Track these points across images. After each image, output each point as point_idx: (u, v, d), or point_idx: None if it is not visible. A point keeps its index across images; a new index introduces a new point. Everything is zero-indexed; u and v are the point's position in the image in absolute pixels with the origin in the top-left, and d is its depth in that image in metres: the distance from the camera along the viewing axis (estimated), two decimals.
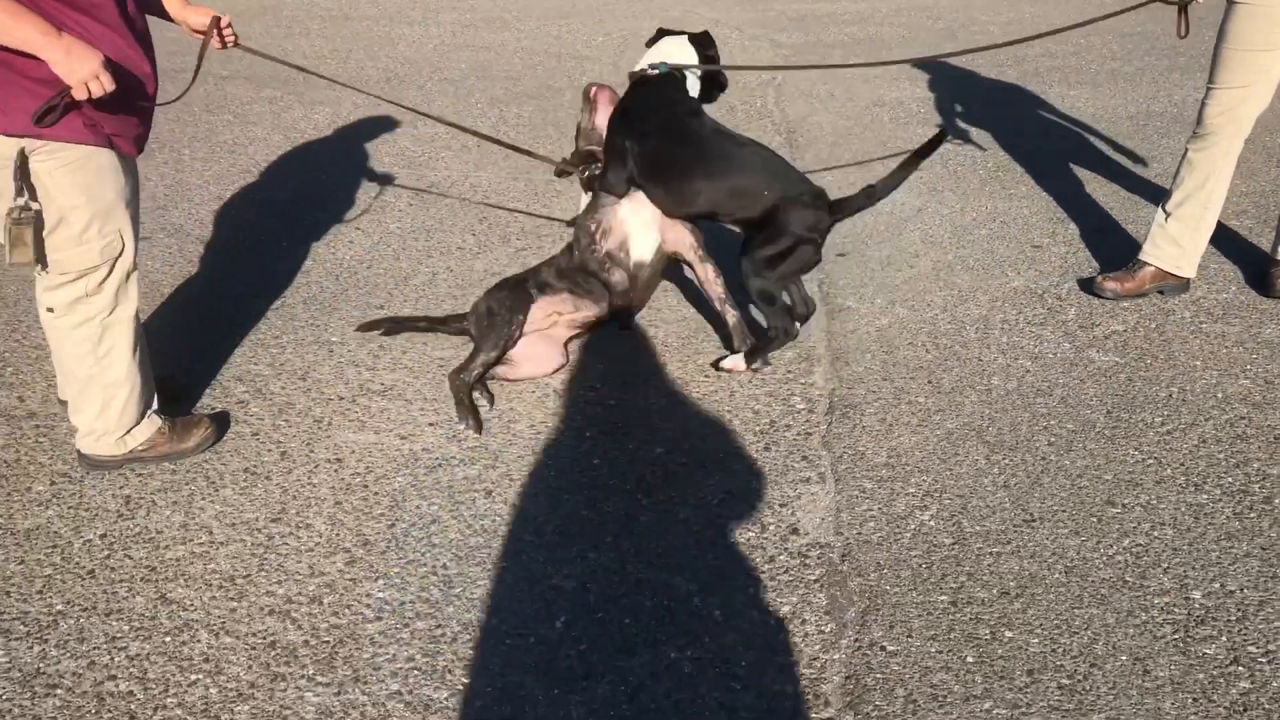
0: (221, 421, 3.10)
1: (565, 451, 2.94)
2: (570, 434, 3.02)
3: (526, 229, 4.49)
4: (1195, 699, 2.05)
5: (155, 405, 2.92)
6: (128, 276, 2.72)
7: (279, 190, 5.04)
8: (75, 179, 2.51)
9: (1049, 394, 3.11)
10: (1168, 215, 3.56)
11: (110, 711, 2.13)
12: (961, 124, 5.66)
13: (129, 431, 2.83)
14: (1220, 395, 3.07)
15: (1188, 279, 3.62)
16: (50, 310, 2.67)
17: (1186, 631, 2.21)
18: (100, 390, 2.75)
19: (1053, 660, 2.16)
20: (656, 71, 3.31)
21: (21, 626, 2.36)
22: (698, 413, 3.11)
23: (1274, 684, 2.07)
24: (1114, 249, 4.02)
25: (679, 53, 3.37)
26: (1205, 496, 2.64)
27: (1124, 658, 2.15)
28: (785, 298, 3.22)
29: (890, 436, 2.95)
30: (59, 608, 2.41)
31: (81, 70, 2.33)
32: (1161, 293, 3.63)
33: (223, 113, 6.35)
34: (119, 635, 2.33)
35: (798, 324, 3.28)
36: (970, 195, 4.65)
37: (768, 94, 6.41)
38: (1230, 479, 2.70)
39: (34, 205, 2.46)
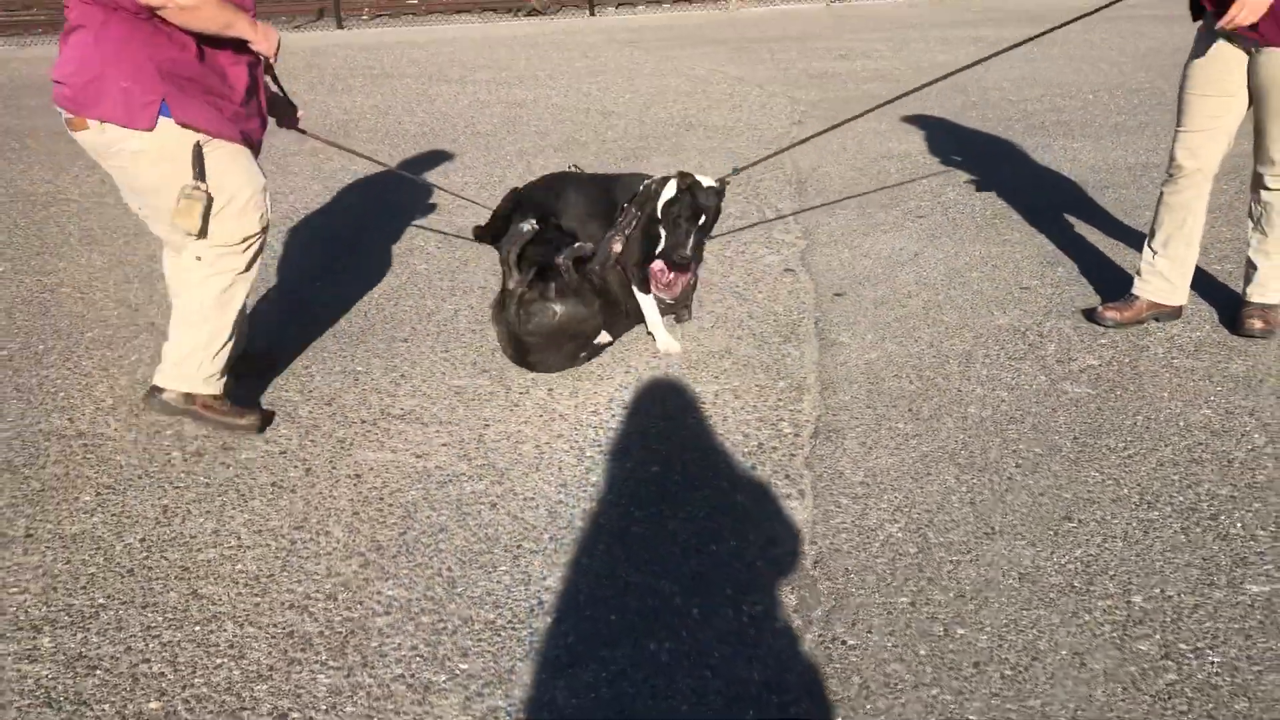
0: (267, 419, 3.48)
1: (566, 469, 3.18)
2: (572, 454, 3.26)
3: None
4: (1125, 689, 2.23)
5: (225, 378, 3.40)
6: (261, 248, 3.33)
7: (315, 234, 5.37)
8: (237, 164, 3.19)
9: (1021, 421, 3.32)
10: (1154, 253, 3.80)
11: (144, 689, 2.37)
12: (964, 174, 5.90)
13: (208, 378, 3.32)
14: (1182, 424, 3.25)
15: (1180, 306, 3.86)
16: (199, 258, 3.23)
17: (1124, 630, 2.40)
18: (209, 333, 3.27)
19: (998, 654, 2.35)
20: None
21: (66, 617, 2.61)
22: (692, 436, 3.34)
23: (1199, 676, 2.25)
24: (1099, 290, 4.22)
25: None
26: (1156, 514, 2.82)
27: (1064, 652, 2.34)
28: None
29: (869, 458, 3.16)
30: (100, 601, 2.67)
31: (272, 43, 3.17)
32: (1157, 319, 3.87)
33: (265, 163, 6.70)
34: (153, 625, 2.57)
35: None
36: (965, 241, 4.88)
37: (782, 145, 6.68)
38: (1182, 498, 2.88)
39: (203, 186, 3.07)
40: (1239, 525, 2.76)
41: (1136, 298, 3.86)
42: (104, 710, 2.30)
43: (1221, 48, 3.49)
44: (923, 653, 2.36)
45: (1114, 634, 2.39)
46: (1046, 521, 2.81)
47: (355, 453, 3.31)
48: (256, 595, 2.67)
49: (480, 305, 4.38)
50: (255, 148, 3.35)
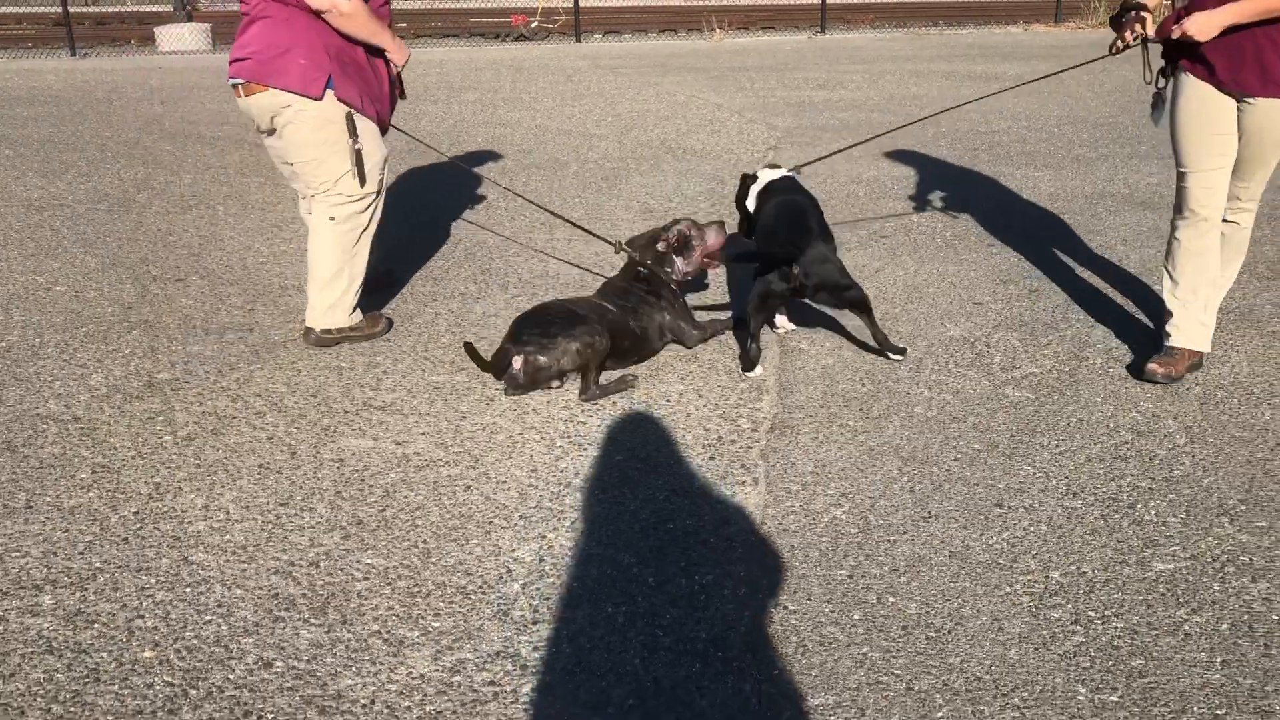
0: (390, 323, 4.39)
1: (537, 457, 3.39)
2: (543, 443, 3.48)
3: (524, 278, 4.99)
4: (1036, 649, 2.46)
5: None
6: (379, 207, 4.11)
7: (302, 241, 5.57)
8: (371, 134, 4.01)
9: (963, 420, 3.55)
10: (1184, 303, 3.70)
11: (139, 641, 2.56)
12: (929, 199, 6.18)
13: (350, 313, 4.16)
14: (1112, 425, 3.50)
15: (1205, 353, 3.82)
16: (332, 219, 4.01)
17: (1040, 601, 2.62)
18: (347, 278, 4.11)
19: (925, 619, 2.57)
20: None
21: (66, 579, 2.80)
22: (656, 429, 3.56)
23: (1103, 639, 2.48)
24: (1046, 308, 4.48)
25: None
26: (1080, 502, 3.06)
27: (984, 619, 2.56)
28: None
29: (819, 451, 3.39)
30: (97, 565, 2.86)
31: (404, 55, 4.10)
32: (1193, 369, 3.79)
33: (255, 175, 6.95)
34: (147, 586, 2.77)
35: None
36: (925, 260, 5.14)
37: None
38: (1105, 489, 3.12)
39: (358, 145, 3.93)
40: (1153, 513, 3.00)
41: (1179, 349, 3.75)
42: (101, 658, 2.49)
43: (1212, 94, 3.49)
44: (856, 617, 2.58)
45: (1031, 604, 2.61)
46: (979, 508, 3.04)
47: (338, 439, 3.52)
48: (244, 562, 2.87)
49: (460, 311, 4.60)
50: (384, 128, 4.14)
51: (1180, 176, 3.66)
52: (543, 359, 3.72)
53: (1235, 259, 3.86)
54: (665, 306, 4.08)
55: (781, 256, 3.79)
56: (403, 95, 4.29)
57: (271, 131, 3.99)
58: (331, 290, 4.10)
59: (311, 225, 4.11)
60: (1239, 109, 3.51)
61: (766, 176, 4.37)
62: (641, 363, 4.04)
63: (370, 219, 4.12)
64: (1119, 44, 3.68)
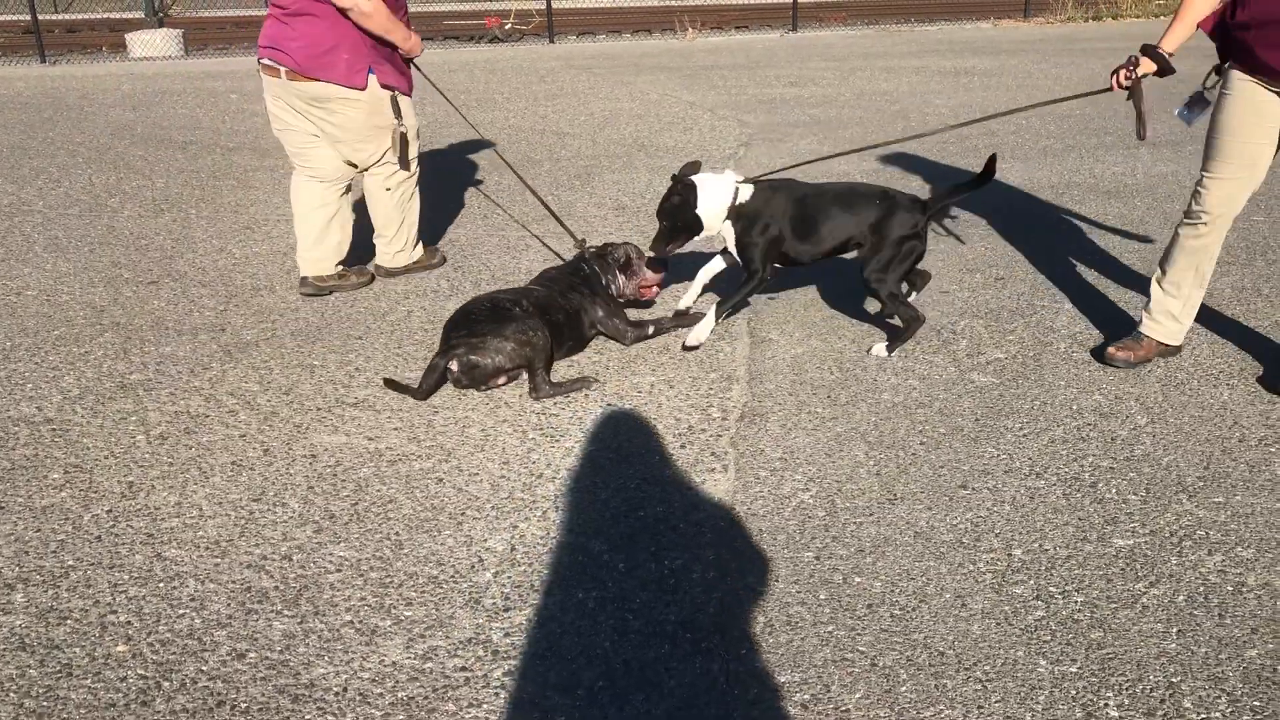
0: (444, 257, 5.23)
1: (509, 450, 3.42)
2: (515, 436, 3.51)
3: (497, 276, 5.02)
4: (998, 623, 2.50)
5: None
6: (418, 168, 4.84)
7: (275, 243, 5.60)
8: (410, 109, 4.62)
9: (929, 406, 3.60)
10: (1166, 294, 3.71)
11: (111, 636, 2.57)
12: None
13: (411, 251, 4.99)
14: (1075, 408, 3.56)
15: (1180, 346, 3.84)
16: (388, 189, 4.73)
17: (1003, 578, 2.67)
18: (405, 227, 4.91)
19: (890, 597, 2.61)
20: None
21: (38, 576, 2.81)
22: (628, 419, 3.59)
23: (1064, 613, 2.53)
24: (1014, 294, 4.54)
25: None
26: (1043, 483, 3.11)
27: (948, 595, 2.61)
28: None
29: (788, 438, 3.43)
30: (70, 563, 2.87)
31: (417, 47, 4.55)
32: (1161, 357, 3.83)
33: (227, 179, 6.95)
34: (120, 583, 2.78)
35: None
36: None
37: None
38: (1067, 469, 3.18)
39: (403, 126, 4.56)
40: (1114, 491, 3.05)
41: (1145, 337, 3.79)
42: (75, 653, 2.50)
43: (1264, 100, 3.34)
44: (822, 597, 2.62)
45: (994, 580, 2.66)
46: (944, 489, 3.09)
47: (311, 436, 3.53)
48: (217, 557, 2.89)
49: (432, 308, 4.62)
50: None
51: (1201, 179, 3.53)
52: (475, 358, 3.72)
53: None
54: (599, 304, 4.13)
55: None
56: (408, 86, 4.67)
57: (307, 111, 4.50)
58: (394, 242, 4.91)
59: (369, 191, 4.79)
60: None
61: (721, 184, 4.01)
62: (578, 352, 4.07)
63: (415, 177, 4.82)
64: (1118, 84, 3.63)
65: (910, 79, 10.40)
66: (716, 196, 3.97)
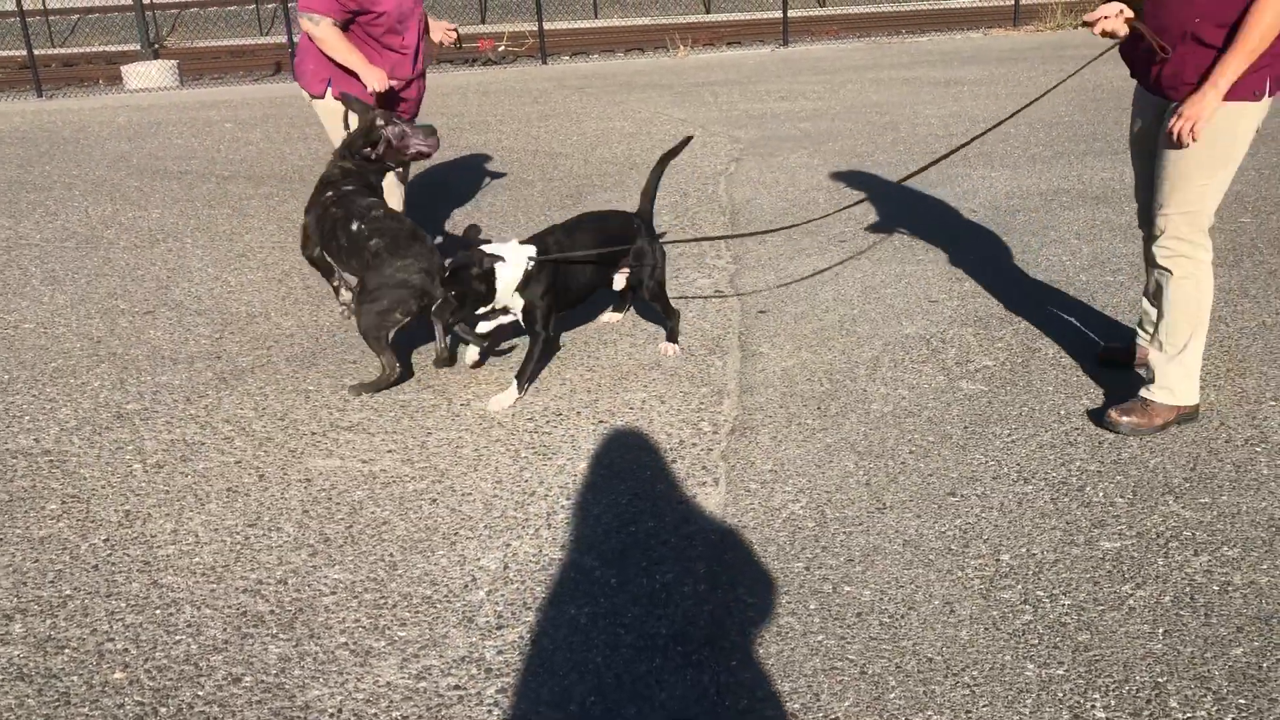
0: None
1: (502, 469, 3.45)
2: (507, 455, 3.53)
3: None
4: (986, 629, 2.52)
5: None
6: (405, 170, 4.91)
7: (269, 269, 5.64)
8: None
9: (918, 415, 3.63)
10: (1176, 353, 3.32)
11: (109, 663, 2.60)
12: (887, 202, 6.27)
13: None
14: (1063, 412, 3.58)
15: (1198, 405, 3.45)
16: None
17: (991, 583, 2.69)
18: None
19: (879, 605, 2.63)
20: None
21: (36, 606, 2.84)
22: (619, 436, 3.62)
23: (1051, 617, 2.55)
24: (1001, 301, 4.57)
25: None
26: (1031, 488, 3.13)
27: (936, 602, 2.63)
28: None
29: (778, 450, 3.46)
30: (67, 592, 2.90)
31: (372, 81, 4.58)
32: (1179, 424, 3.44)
33: (222, 207, 7.00)
34: (117, 610, 2.81)
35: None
36: (883, 261, 5.23)
37: (719, 182, 7.04)
38: (1055, 474, 3.20)
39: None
40: (1101, 494, 3.07)
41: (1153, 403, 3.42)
42: (73, 682, 2.53)
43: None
44: (812, 607, 2.65)
45: (982, 586, 2.68)
46: (933, 497, 3.11)
47: (306, 460, 3.56)
48: (213, 583, 2.91)
49: (424, 331, 4.65)
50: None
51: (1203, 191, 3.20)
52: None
53: None
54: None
55: None
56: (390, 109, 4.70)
57: None
58: None
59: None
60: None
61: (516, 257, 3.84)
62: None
63: (403, 179, 5.07)
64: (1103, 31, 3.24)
65: (900, 90, 10.46)
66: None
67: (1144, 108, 3.36)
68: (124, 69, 14.11)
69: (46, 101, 12.97)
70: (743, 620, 2.61)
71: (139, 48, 15.93)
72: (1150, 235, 3.35)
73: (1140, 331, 3.69)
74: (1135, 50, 3.28)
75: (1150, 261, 3.38)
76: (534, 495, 3.27)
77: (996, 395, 3.74)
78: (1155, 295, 3.40)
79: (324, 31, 4.52)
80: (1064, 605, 2.59)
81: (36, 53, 14.07)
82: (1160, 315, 3.32)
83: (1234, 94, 3.01)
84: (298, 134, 9.66)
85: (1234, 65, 2.96)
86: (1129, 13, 3.21)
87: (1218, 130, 3.06)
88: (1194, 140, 3.04)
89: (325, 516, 3.21)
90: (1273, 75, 3.05)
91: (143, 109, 11.89)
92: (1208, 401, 3.59)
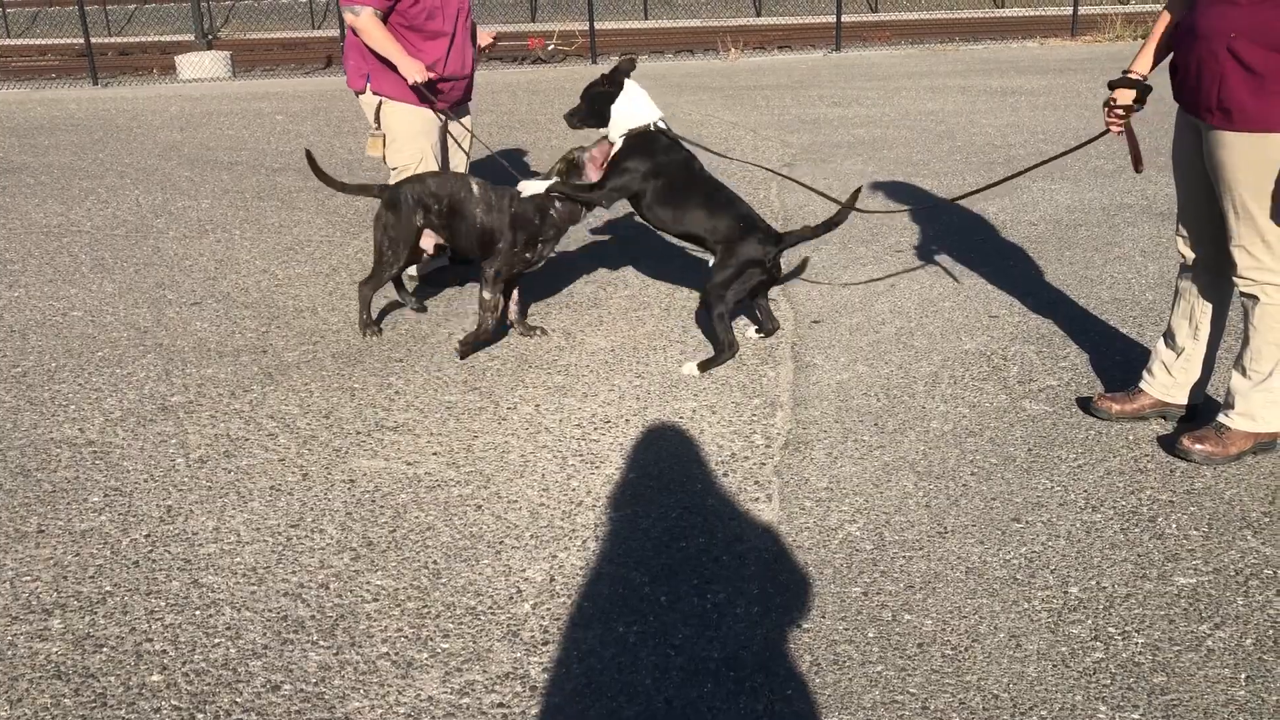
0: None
1: (549, 476, 3.37)
2: (555, 462, 3.45)
3: (537, 296, 4.98)
4: (1055, 665, 2.40)
5: None
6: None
7: (318, 264, 5.60)
8: (400, 118, 4.83)
9: (980, 434, 3.51)
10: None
11: (146, 665, 2.54)
12: (945, 213, 6.13)
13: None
14: (1131, 437, 3.44)
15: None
16: (395, 169, 4.91)
17: (1059, 616, 2.57)
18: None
19: (941, 636, 2.52)
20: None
21: (75, 602, 2.79)
22: (669, 446, 3.53)
23: (1124, 655, 2.42)
24: (1065, 319, 4.43)
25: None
26: (1100, 516, 3.00)
27: (1002, 635, 2.51)
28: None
29: (834, 467, 3.35)
30: (107, 589, 2.85)
31: (411, 73, 4.63)
32: (1163, 417, 3.50)
33: (271, 199, 6.99)
34: (156, 609, 2.75)
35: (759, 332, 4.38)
36: (940, 274, 5.10)
37: (770, 187, 6.93)
38: (1125, 503, 3.07)
39: (378, 130, 4.85)
40: (1174, 526, 2.94)
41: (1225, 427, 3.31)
42: (109, 682, 2.47)
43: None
44: (871, 635, 2.54)
45: (1049, 620, 2.56)
46: (996, 523, 2.99)
47: (350, 460, 3.50)
48: (253, 585, 2.85)
49: (471, 329, 4.58)
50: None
51: None
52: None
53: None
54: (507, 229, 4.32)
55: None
56: (431, 106, 4.81)
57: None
58: None
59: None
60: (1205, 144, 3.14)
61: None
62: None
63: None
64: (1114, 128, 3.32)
65: (956, 99, 10.29)
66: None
67: (1184, 126, 3.23)
68: (178, 59, 14.23)
69: (102, 89, 13.10)
70: (798, 646, 2.51)
71: (193, 38, 16.07)
72: (1204, 263, 3.26)
73: (1145, 375, 3.52)
74: (1182, 67, 3.12)
75: (1181, 292, 3.34)
76: (581, 505, 3.19)
77: (1061, 417, 3.61)
78: (1194, 321, 3.35)
79: (365, 22, 4.57)
80: (1137, 644, 2.46)
81: (94, 41, 14.22)
82: (1245, 341, 3.17)
83: None
84: (348, 128, 9.66)
85: None
86: (1133, 105, 3.26)
87: (1273, 162, 2.92)
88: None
89: (369, 519, 3.15)
90: None
91: (195, 99, 11.96)
92: None
